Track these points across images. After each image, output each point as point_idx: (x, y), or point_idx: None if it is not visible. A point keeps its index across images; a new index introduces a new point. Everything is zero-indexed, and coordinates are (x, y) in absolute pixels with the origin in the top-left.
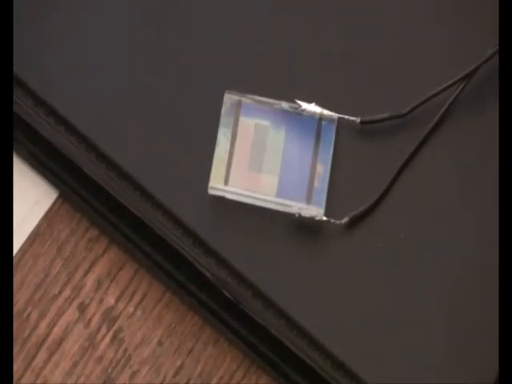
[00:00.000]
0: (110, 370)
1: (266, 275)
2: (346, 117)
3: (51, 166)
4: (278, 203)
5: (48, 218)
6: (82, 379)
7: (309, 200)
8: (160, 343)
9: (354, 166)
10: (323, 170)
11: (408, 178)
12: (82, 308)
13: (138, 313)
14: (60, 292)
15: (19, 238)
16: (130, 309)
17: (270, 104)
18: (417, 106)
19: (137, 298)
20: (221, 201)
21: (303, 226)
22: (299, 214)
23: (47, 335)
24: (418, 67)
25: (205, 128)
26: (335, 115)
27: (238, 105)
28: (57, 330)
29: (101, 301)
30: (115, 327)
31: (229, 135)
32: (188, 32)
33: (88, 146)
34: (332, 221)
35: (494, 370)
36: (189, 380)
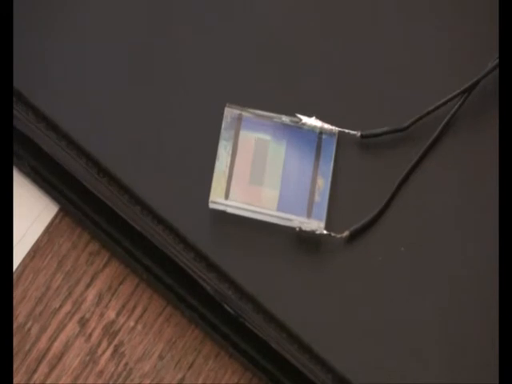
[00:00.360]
0: None
1: (266, 289)
2: (347, 130)
3: (52, 180)
4: (278, 217)
5: (49, 232)
6: None
7: (309, 214)
8: (161, 357)
9: (354, 180)
10: (324, 183)
11: (408, 192)
12: (83, 322)
13: (139, 327)
14: (61, 306)
15: (20, 252)
16: (131, 323)
17: (271, 118)
18: (417, 120)
19: (137, 312)
20: (221, 215)
21: (304, 240)
22: (300, 228)
23: (48, 349)
24: (419, 80)
25: (205, 142)
26: (336, 129)
27: (239, 119)
28: (57, 345)
29: (101, 315)
30: (116, 341)
31: (229, 149)
32: (187, 36)
33: (89, 161)
34: (333, 234)
35: (493, 370)
36: None
